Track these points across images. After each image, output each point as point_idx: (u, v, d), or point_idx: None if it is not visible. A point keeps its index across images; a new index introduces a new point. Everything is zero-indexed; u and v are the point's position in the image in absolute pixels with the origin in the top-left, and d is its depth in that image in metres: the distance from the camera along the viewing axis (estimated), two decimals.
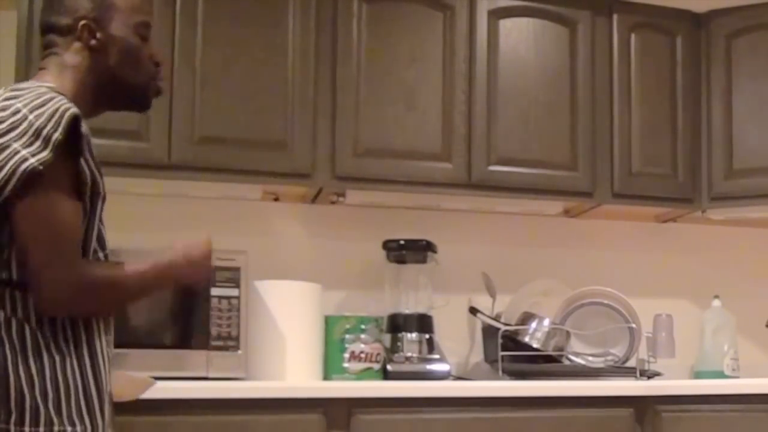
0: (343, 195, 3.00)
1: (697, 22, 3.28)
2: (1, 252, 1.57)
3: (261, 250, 2.91)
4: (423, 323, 2.93)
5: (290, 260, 3.05)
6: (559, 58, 3.10)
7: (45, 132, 1.55)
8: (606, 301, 3.07)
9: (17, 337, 1.55)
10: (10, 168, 1.53)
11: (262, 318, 2.70)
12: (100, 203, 1.66)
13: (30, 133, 1.55)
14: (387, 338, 2.89)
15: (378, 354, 2.81)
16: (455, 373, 3.09)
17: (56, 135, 1.55)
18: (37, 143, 1.54)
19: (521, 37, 3.07)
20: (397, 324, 2.92)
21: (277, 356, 2.68)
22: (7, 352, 1.54)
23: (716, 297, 3.34)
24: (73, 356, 1.59)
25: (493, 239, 3.31)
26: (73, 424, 1.56)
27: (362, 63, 2.88)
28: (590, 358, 3.01)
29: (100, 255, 1.68)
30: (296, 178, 2.82)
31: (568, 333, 3.03)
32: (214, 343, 2.59)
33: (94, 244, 1.66)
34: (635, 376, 2.88)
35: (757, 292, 3.50)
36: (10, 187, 1.52)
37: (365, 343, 2.79)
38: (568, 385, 2.70)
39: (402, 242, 2.98)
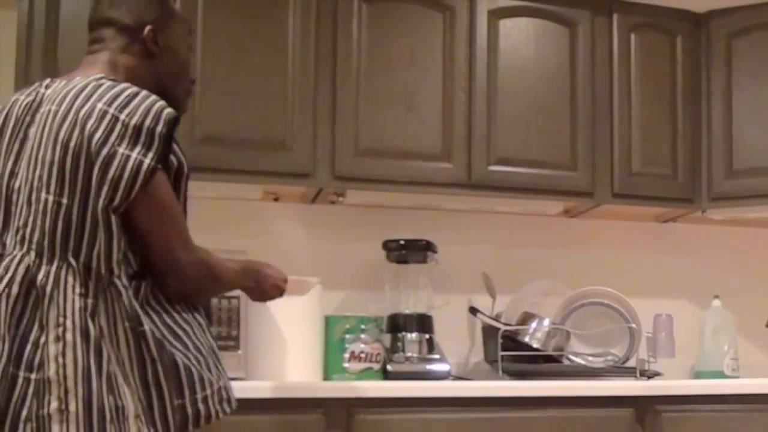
0: (343, 195, 3.00)
1: (697, 22, 3.28)
2: (125, 250, 1.65)
3: (261, 250, 2.90)
4: (423, 323, 2.92)
5: (290, 260, 3.03)
6: (559, 58, 3.10)
7: (146, 127, 1.61)
8: (606, 301, 3.07)
9: (160, 321, 1.67)
10: (129, 175, 1.59)
11: (262, 318, 2.70)
12: (184, 181, 1.75)
13: (129, 133, 1.60)
14: (387, 338, 2.89)
15: (378, 354, 2.81)
16: (455, 373, 3.09)
17: (159, 129, 1.62)
18: (141, 141, 1.60)
19: (521, 37, 3.07)
20: (397, 324, 2.92)
21: (277, 356, 2.68)
22: (159, 337, 1.64)
23: (716, 297, 3.34)
24: (195, 323, 1.74)
25: (493, 239, 3.31)
26: (220, 379, 1.73)
27: (362, 63, 2.88)
28: (590, 358, 3.01)
29: None
30: (296, 178, 2.82)
31: (568, 333, 3.03)
32: None
33: None
34: (635, 376, 2.88)
35: (757, 292, 3.50)
36: (135, 192, 1.60)
37: (365, 343, 2.79)
38: (568, 385, 2.70)
39: (402, 242, 2.98)
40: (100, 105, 1.61)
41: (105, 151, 1.58)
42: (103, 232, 1.60)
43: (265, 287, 1.98)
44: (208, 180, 2.73)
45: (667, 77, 3.22)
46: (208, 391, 1.68)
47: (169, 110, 1.64)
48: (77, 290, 1.58)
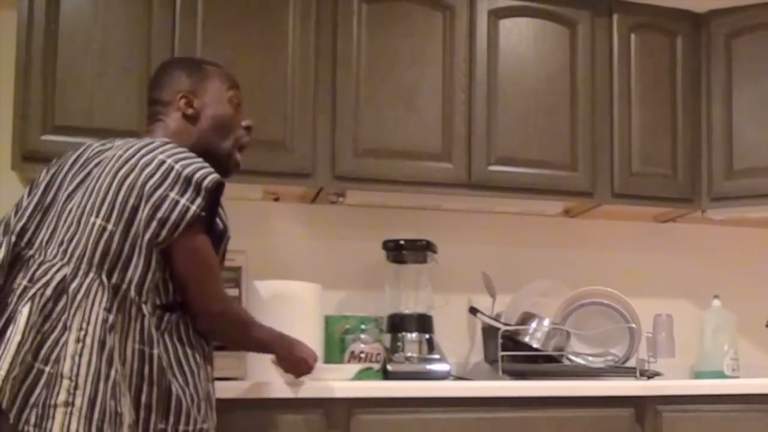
0: (343, 195, 3.00)
1: (697, 22, 3.28)
2: (158, 282, 1.86)
3: (261, 250, 2.91)
4: (423, 323, 2.92)
5: (290, 260, 3.05)
6: (559, 58, 3.10)
7: (195, 180, 1.86)
8: (606, 301, 3.07)
9: (173, 353, 1.87)
10: (177, 217, 1.83)
11: (262, 318, 2.65)
12: (225, 241, 2.00)
13: (180, 181, 1.86)
14: (387, 338, 2.89)
15: (378, 354, 2.81)
16: (455, 373, 3.09)
17: (206, 183, 1.87)
18: (190, 190, 1.85)
19: (521, 37, 3.07)
20: (397, 324, 2.92)
21: None
22: (164, 365, 1.83)
23: (716, 297, 3.34)
24: (203, 369, 1.93)
25: (493, 239, 3.31)
26: (205, 422, 1.90)
27: (362, 63, 2.88)
28: (590, 358, 3.01)
29: None
30: (296, 178, 2.82)
31: (568, 333, 3.03)
32: (214, 343, 2.58)
33: None
34: (635, 376, 2.88)
35: (757, 292, 3.50)
36: (178, 232, 1.84)
37: (365, 343, 2.79)
38: (568, 385, 2.70)
39: (402, 242, 2.98)
40: (160, 156, 1.88)
41: (158, 193, 1.83)
42: (142, 261, 1.82)
43: (294, 359, 2.22)
44: None
45: (667, 77, 3.22)
46: (190, 427, 1.86)
47: (216, 176, 1.89)
48: (103, 305, 1.77)
